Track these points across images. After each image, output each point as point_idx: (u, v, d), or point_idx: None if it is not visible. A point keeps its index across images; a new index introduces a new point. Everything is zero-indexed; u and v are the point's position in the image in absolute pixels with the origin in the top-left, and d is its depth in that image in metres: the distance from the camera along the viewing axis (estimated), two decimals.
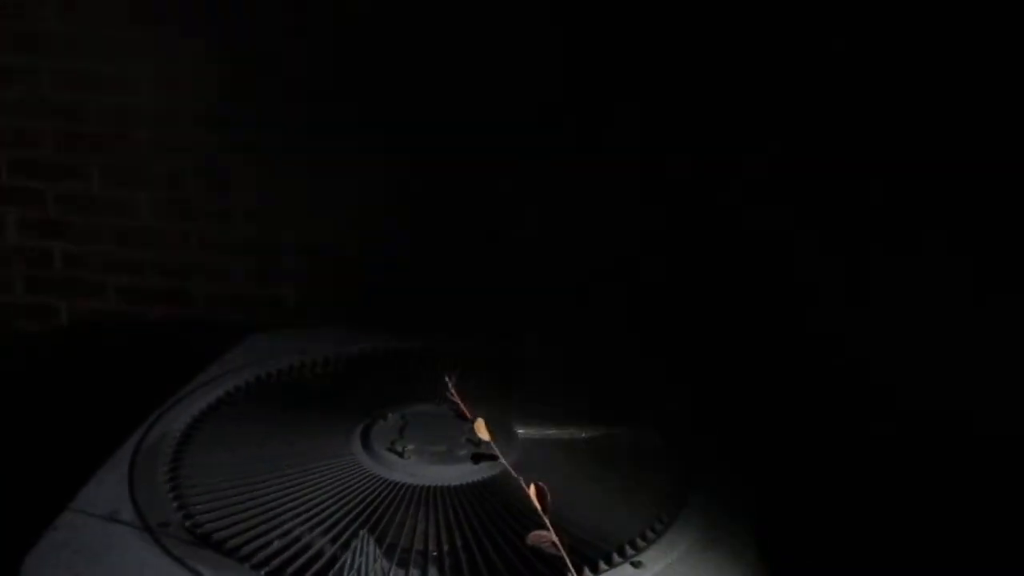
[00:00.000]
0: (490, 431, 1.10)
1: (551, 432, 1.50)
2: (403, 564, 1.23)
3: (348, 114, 2.12)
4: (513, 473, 1.07)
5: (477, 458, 1.13)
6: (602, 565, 1.21)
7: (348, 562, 1.20)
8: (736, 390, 1.80)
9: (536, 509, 1.04)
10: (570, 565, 1.04)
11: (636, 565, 1.21)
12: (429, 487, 1.34)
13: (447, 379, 1.10)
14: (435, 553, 1.25)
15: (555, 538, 1.03)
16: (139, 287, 2.38)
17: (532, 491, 1.04)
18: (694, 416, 1.60)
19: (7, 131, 2.31)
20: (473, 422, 1.09)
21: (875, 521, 1.72)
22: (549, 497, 1.04)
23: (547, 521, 1.04)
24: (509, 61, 2.00)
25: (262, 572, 1.18)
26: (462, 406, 1.09)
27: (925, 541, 1.67)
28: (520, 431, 1.47)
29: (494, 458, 1.09)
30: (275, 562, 1.20)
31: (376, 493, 1.33)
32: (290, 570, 1.19)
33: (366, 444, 1.43)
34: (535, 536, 1.05)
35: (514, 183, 2.07)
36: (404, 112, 2.09)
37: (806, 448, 1.84)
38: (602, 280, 2.06)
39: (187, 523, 1.27)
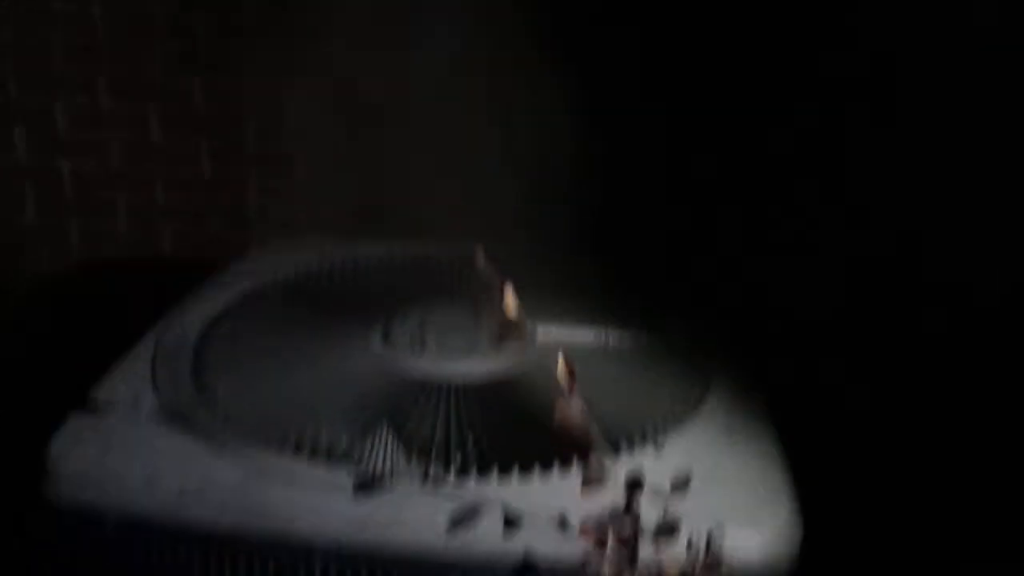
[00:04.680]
0: (519, 311, 1.10)
1: (573, 333, 1.50)
2: (423, 455, 1.23)
3: None
4: (537, 357, 1.07)
5: (504, 334, 1.12)
6: (624, 447, 1.21)
7: (368, 451, 1.21)
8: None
9: (562, 388, 1.04)
10: (596, 440, 1.04)
11: (659, 446, 1.21)
12: (449, 382, 1.34)
13: (478, 264, 1.09)
14: (457, 444, 1.25)
15: (582, 410, 1.03)
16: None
17: (560, 363, 1.04)
18: (716, 326, 1.60)
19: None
20: (503, 295, 1.08)
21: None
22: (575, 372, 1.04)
23: (573, 398, 1.04)
24: None
25: (285, 454, 1.19)
26: (496, 288, 1.09)
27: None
28: (541, 330, 1.47)
29: (522, 335, 1.09)
30: (297, 445, 1.21)
31: (396, 388, 1.33)
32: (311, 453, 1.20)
33: (387, 341, 1.44)
34: (561, 410, 1.05)
35: None
36: None
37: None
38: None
39: (209, 408, 1.27)
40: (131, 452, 1.19)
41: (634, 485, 1.07)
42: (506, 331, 1.30)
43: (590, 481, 1.09)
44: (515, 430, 1.24)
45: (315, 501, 1.12)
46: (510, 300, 1.09)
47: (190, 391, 1.31)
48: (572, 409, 1.06)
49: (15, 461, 1.32)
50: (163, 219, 2.39)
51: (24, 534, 1.22)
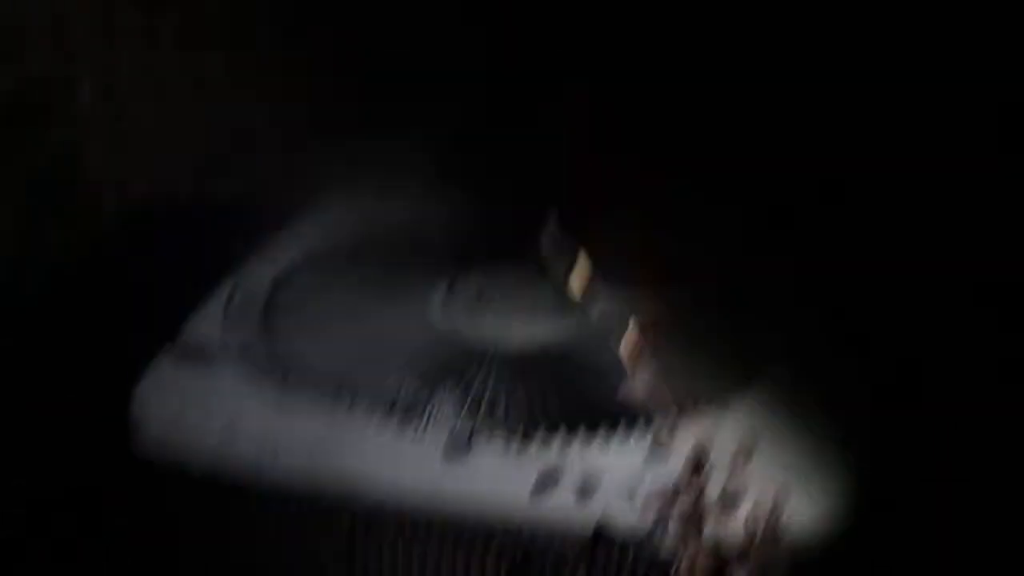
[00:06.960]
0: (589, 279, 1.11)
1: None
2: (487, 415, 1.25)
3: None
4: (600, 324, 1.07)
5: (573, 296, 1.13)
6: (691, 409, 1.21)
7: (431, 408, 1.24)
8: None
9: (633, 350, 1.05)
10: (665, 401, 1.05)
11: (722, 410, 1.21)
12: (509, 347, 1.35)
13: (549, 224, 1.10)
14: (530, 407, 1.26)
15: (653, 377, 1.04)
16: None
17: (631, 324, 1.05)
18: None
19: None
20: (575, 268, 1.09)
21: None
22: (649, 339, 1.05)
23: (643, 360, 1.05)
24: None
25: (360, 412, 1.23)
26: (567, 254, 1.10)
27: None
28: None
29: (590, 297, 1.10)
30: (372, 403, 1.25)
31: (455, 351, 1.35)
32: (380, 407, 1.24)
33: (447, 303, 1.46)
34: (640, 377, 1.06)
35: None
36: None
37: None
38: None
39: (283, 362, 1.31)
40: (210, 405, 1.24)
41: (699, 457, 1.09)
42: (575, 293, 1.31)
43: (659, 444, 1.11)
44: (583, 393, 1.26)
45: (393, 460, 1.16)
46: (582, 263, 1.10)
47: (262, 343, 1.35)
48: (642, 371, 1.08)
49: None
50: None
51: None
